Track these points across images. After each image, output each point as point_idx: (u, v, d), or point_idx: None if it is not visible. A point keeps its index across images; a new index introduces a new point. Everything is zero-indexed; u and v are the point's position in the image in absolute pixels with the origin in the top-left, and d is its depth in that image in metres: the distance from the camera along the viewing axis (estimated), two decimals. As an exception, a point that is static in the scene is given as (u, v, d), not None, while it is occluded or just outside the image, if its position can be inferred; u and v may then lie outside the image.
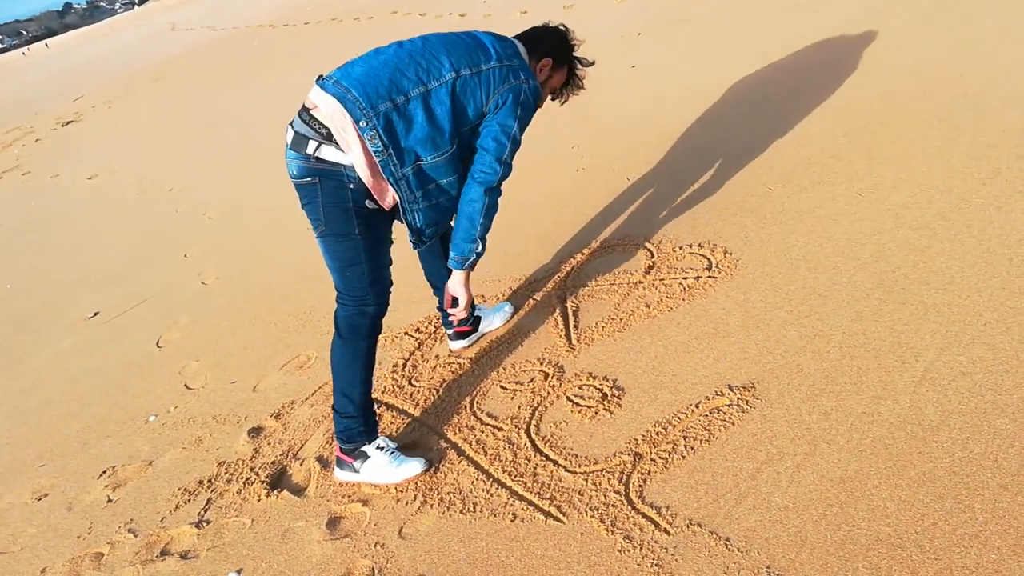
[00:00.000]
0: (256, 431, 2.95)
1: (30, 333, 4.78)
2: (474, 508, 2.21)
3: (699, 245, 3.16)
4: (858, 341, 2.34)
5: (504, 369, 2.81)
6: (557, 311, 3.05)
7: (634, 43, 6.83)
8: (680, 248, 3.18)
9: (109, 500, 2.83)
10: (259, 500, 2.55)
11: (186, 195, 6.80)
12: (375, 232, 2.33)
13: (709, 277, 2.92)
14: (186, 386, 3.49)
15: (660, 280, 3.01)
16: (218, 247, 5.21)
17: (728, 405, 2.25)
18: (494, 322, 3.07)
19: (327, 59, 11.69)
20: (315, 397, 3.05)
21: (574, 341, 2.82)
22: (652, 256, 3.20)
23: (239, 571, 2.28)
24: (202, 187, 6.89)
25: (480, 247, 2.36)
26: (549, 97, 2.58)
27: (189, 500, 2.67)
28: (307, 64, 11.82)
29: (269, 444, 2.85)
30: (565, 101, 2.63)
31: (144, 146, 9.95)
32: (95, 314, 4.72)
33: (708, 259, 3.04)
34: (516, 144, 2.31)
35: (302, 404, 3.03)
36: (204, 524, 2.53)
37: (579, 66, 2.57)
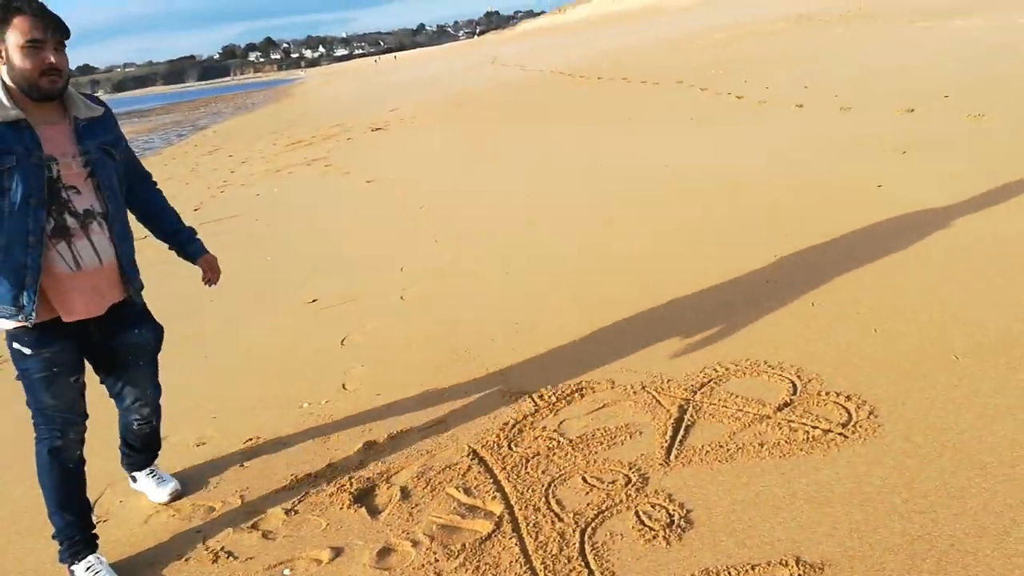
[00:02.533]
0: (370, 445, 3.22)
1: (265, 303, 5.59)
2: (500, 587, 2.24)
3: (847, 397, 2.88)
4: (963, 561, 2.01)
5: (595, 462, 2.79)
6: (672, 419, 2.95)
7: (885, 162, 6.33)
8: (826, 393, 2.93)
9: (241, 465, 3.25)
10: (340, 508, 2.79)
11: (430, 215, 7.50)
12: None
13: (840, 434, 2.66)
14: (343, 386, 3.88)
15: (789, 421, 2.79)
16: (432, 268, 5.69)
17: (787, 579, 2.05)
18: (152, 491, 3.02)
19: (602, 115, 12.22)
20: (433, 429, 3.25)
21: (672, 457, 2.72)
22: (793, 392, 2.98)
23: (290, 571, 2.52)
24: (445, 212, 7.55)
25: None
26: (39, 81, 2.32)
27: (293, 487, 2.99)
28: (582, 117, 12.44)
29: (374, 460, 3.09)
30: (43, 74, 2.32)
31: (421, 162, 11.11)
32: (313, 300, 5.40)
33: (849, 414, 2.77)
34: None
35: (418, 432, 3.25)
36: (292, 513, 2.83)
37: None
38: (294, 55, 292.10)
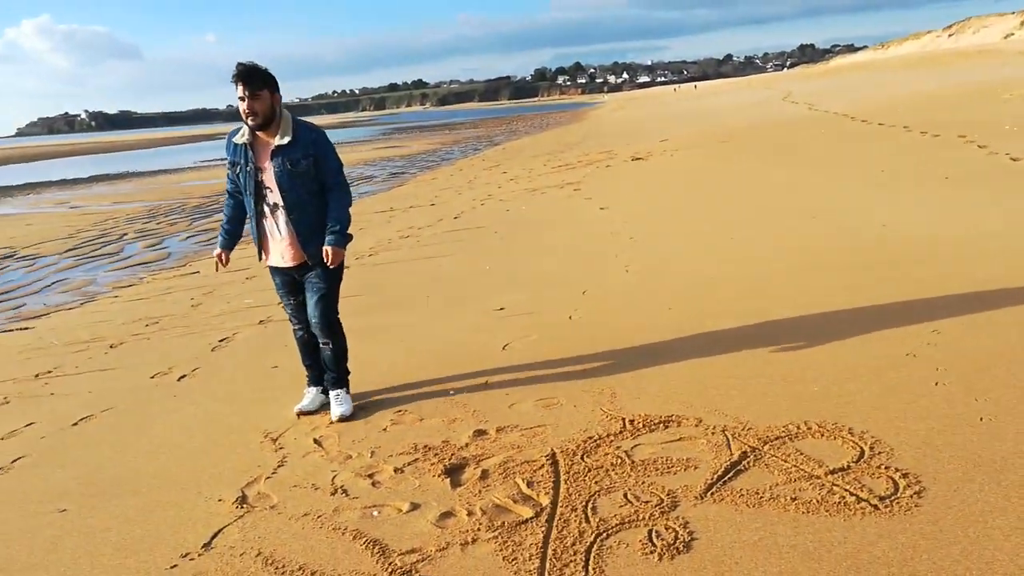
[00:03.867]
0: (480, 433, 3.80)
1: (465, 306, 6.44)
2: (511, 560, 2.69)
3: (904, 474, 2.85)
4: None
5: (642, 483, 3.09)
6: (730, 462, 3.14)
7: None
8: (886, 468, 2.92)
9: (384, 430, 4.02)
10: (433, 476, 3.41)
11: (635, 246, 7.90)
12: None
13: (874, 505, 2.69)
14: (486, 382, 4.51)
15: (833, 484, 2.86)
16: (609, 295, 6.13)
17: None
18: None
19: (857, 163, 11.59)
20: (532, 431, 3.74)
21: (708, 493, 2.94)
22: (857, 459, 3.00)
23: (377, 512, 3.18)
24: (649, 245, 7.91)
25: None
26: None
27: (409, 453, 3.67)
28: (836, 163, 11.90)
29: (477, 445, 3.67)
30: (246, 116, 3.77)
31: (656, 195, 11.48)
32: (501, 308, 6.13)
33: (896, 490, 2.76)
34: None
35: (520, 431, 3.76)
36: (399, 472, 3.50)
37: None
38: (598, 80, 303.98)
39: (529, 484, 3.22)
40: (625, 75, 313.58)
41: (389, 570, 2.73)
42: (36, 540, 3.23)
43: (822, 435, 3.29)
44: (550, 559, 2.66)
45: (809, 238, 7.24)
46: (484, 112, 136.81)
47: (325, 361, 4.24)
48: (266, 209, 3.97)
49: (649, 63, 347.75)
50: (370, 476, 3.50)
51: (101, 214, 17.82)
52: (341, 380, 4.27)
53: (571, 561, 2.63)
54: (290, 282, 4.17)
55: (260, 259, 4.18)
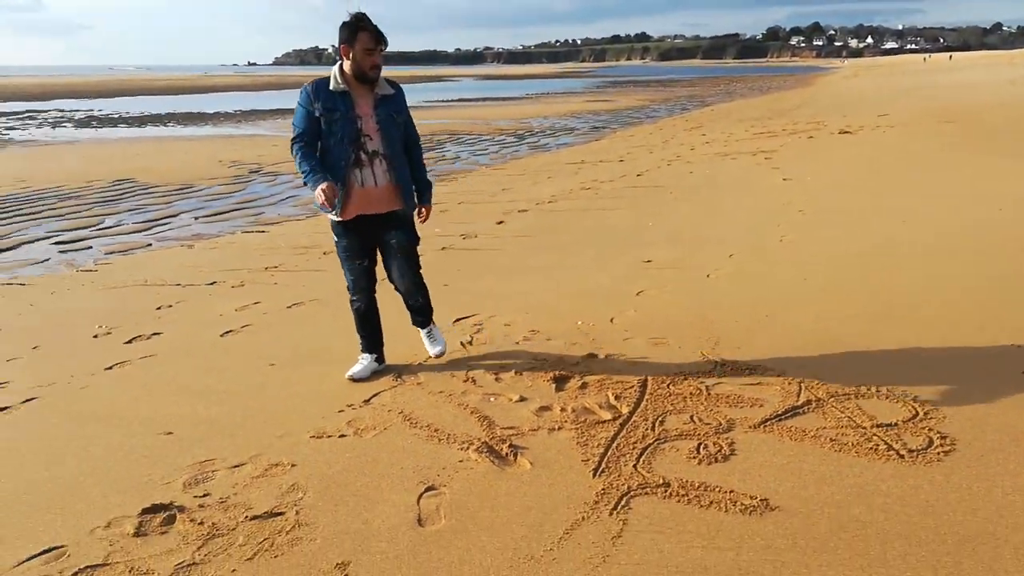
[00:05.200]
0: (591, 356, 4.47)
1: (619, 255, 7.03)
2: (582, 445, 3.38)
3: (942, 436, 3.16)
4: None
5: (710, 410, 3.62)
6: (792, 406, 3.58)
7: None
8: (930, 429, 3.23)
9: (516, 343, 4.80)
10: (543, 381, 4.14)
11: (802, 220, 8.01)
12: None
13: (900, 454, 3.06)
14: (611, 320, 5.14)
15: (874, 434, 3.24)
16: (754, 261, 6.46)
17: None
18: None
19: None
20: (636, 362, 4.35)
21: (762, 425, 3.42)
22: (908, 419, 3.33)
23: (493, 399, 3.98)
24: (815, 221, 7.98)
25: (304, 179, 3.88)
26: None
27: (529, 364, 4.43)
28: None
29: (584, 366, 4.34)
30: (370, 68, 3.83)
31: (847, 171, 11.18)
32: (648, 261, 6.67)
33: (930, 441, 3.11)
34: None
35: (625, 362, 4.39)
36: (518, 374, 4.26)
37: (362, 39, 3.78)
38: (837, 43, 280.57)
39: (617, 397, 3.86)
40: (869, 39, 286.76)
41: (491, 437, 3.52)
42: (249, 381, 4.39)
43: (887, 398, 3.62)
44: (612, 450, 3.32)
45: (994, 229, 7.00)
46: (704, 71, 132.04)
47: (417, 310, 4.38)
48: (363, 157, 3.92)
49: (900, 28, 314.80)
50: (495, 373, 4.31)
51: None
52: (429, 319, 4.47)
53: (627, 454, 3.28)
54: (366, 240, 4.11)
55: (338, 212, 3.96)
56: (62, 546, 2.80)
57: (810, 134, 16.89)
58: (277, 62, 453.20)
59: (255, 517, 2.94)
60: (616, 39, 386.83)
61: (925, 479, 2.90)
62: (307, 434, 3.64)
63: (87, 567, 2.68)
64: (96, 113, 33.41)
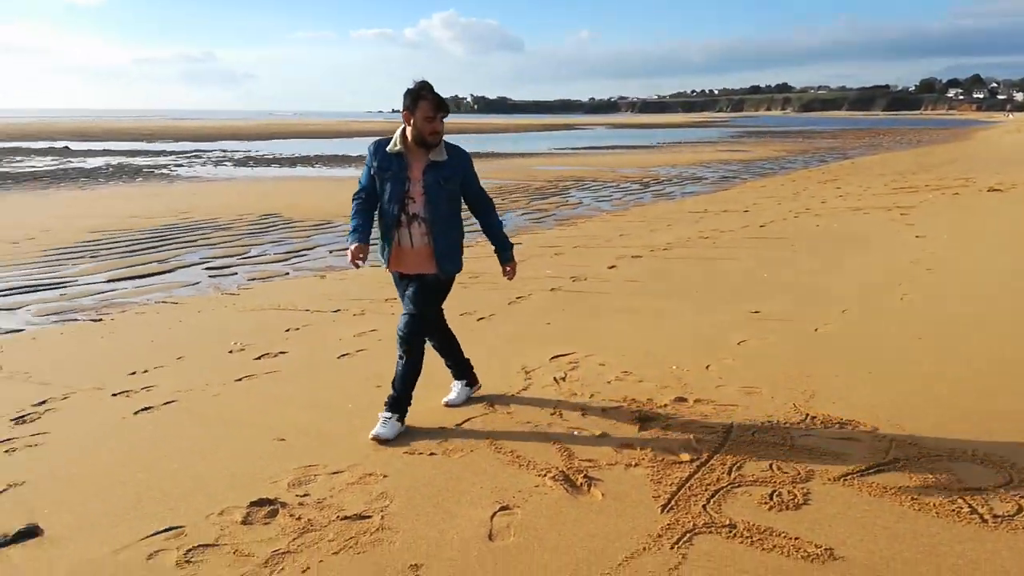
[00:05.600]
0: (680, 400, 4.54)
1: (723, 304, 7.03)
2: (656, 482, 3.47)
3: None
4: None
5: (790, 459, 3.62)
6: (880, 461, 3.52)
7: None
8: (1021, 496, 3.09)
9: (608, 382, 4.94)
10: (626, 420, 4.26)
11: (917, 280, 7.68)
12: None
13: (983, 520, 2.95)
14: (707, 367, 5.18)
15: (960, 497, 3.13)
16: (864, 319, 6.28)
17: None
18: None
19: None
20: (724, 407, 4.38)
21: (842, 479, 3.39)
22: (1002, 485, 3.20)
23: (576, 432, 4.14)
24: (936, 284, 7.62)
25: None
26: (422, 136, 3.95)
27: (620, 401, 4.55)
28: None
29: (672, 407, 4.42)
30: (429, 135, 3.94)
31: (987, 233, 10.54)
32: (756, 312, 6.62)
33: (1019, 508, 2.97)
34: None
35: (714, 405, 4.42)
36: (604, 411, 4.41)
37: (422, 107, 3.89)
38: (1000, 96, 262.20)
39: (698, 440, 3.92)
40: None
41: (568, 467, 3.68)
42: (357, 400, 4.75)
43: (982, 463, 3.48)
44: (684, 489, 3.40)
45: None
46: (849, 122, 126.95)
47: (395, 378, 4.27)
48: (403, 219, 4.05)
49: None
50: (582, 409, 4.46)
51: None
52: (399, 403, 4.25)
53: (699, 494, 3.34)
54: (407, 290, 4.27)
55: (386, 265, 4.22)
56: (182, 526, 3.21)
57: (956, 191, 16.02)
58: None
59: (345, 517, 3.24)
60: (756, 89, 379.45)
61: (1005, 545, 2.80)
62: (401, 450, 3.94)
63: (200, 545, 3.06)
64: (253, 153, 36.49)
